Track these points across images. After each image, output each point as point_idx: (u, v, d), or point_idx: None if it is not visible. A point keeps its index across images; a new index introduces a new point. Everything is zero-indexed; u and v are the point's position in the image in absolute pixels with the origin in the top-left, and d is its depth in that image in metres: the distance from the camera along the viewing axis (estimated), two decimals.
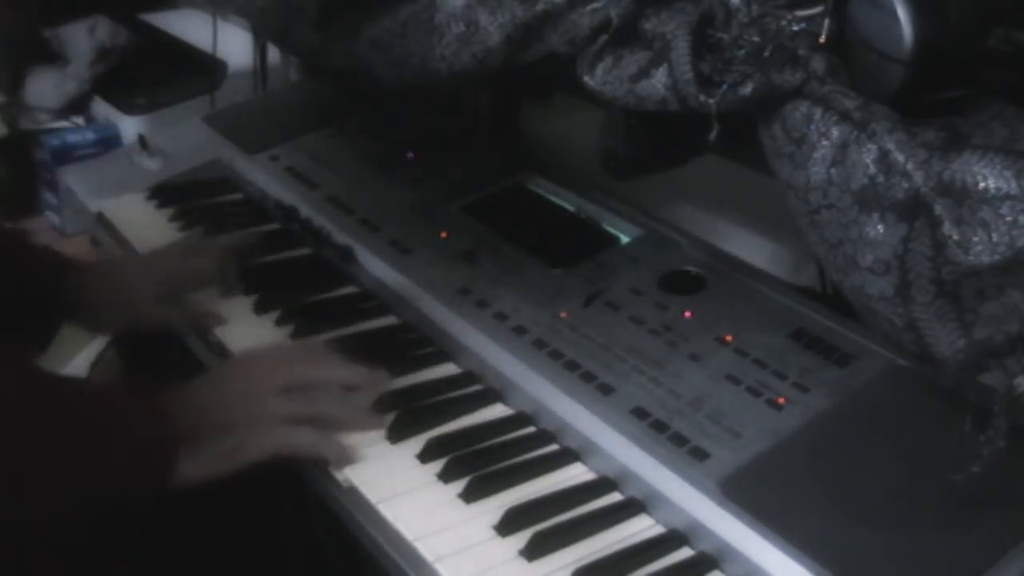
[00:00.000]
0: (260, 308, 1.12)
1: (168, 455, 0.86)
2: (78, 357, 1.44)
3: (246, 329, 1.10)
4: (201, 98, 1.72)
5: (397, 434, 0.94)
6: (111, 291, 1.11)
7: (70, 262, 1.13)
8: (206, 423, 0.88)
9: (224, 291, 1.15)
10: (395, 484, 0.89)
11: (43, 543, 0.84)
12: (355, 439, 0.93)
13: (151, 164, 1.46)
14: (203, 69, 1.74)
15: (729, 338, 0.96)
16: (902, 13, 0.78)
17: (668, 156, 1.08)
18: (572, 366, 0.97)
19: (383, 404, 0.97)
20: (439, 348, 1.06)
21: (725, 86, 0.84)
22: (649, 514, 0.86)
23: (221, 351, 1.07)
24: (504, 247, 1.14)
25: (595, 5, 0.92)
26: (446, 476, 0.89)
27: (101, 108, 1.78)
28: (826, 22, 0.83)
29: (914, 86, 0.79)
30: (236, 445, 0.88)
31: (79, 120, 1.77)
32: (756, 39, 0.84)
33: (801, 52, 0.83)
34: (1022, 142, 0.76)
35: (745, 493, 0.82)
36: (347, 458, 0.89)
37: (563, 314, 1.03)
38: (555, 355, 0.98)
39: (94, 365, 1.41)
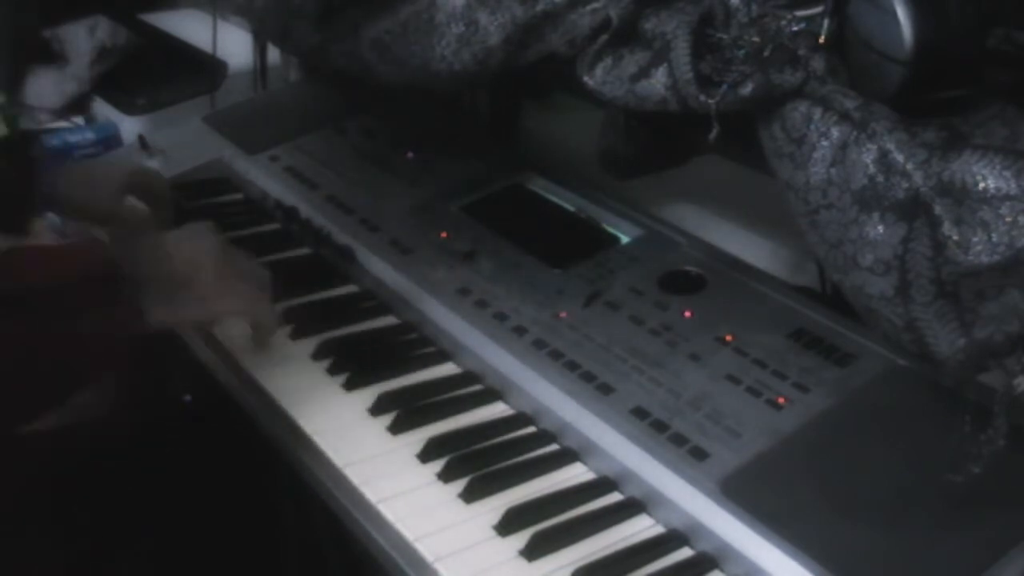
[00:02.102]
0: None
1: (135, 298, 0.89)
2: None
3: (245, 328, 1.09)
4: (201, 98, 1.71)
5: (397, 433, 0.94)
6: (79, 183, 1.18)
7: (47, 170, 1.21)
8: (171, 275, 0.93)
9: (160, 221, 1.22)
10: (395, 484, 0.89)
11: (36, 525, 0.87)
12: (356, 438, 0.93)
13: (151, 164, 1.46)
14: (203, 69, 1.74)
15: (729, 338, 0.96)
16: (902, 13, 0.78)
17: (668, 156, 1.08)
18: (572, 366, 0.97)
19: (383, 405, 0.97)
20: (439, 348, 1.06)
21: (725, 86, 0.84)
22: (649, 514, 0.86)
23: (218, 347, 1.07)
24: (504, 247, 1.14)
25: (595, 5, 0.92)
26: (446, 476, 0.89)
27: (101, 108, 1.78)
28: (826, 22, 0.84)
29: (914, 86, 0.79)
30: (200, 297, 0.94)
31: (79, 120, 1.77)
32: (756, 39, 0.84)
33: (801, 52, 0.83)
34: (1022, 142, 0.76)
35: (745, 493, 0.82)
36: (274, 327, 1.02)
37: (563, 314, 1.03)
38: (555, 355, 0.98)
39: None
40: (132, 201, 1.22)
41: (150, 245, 0.97)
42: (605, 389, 0.94)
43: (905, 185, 0.77)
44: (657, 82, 0.88)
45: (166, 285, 0.92)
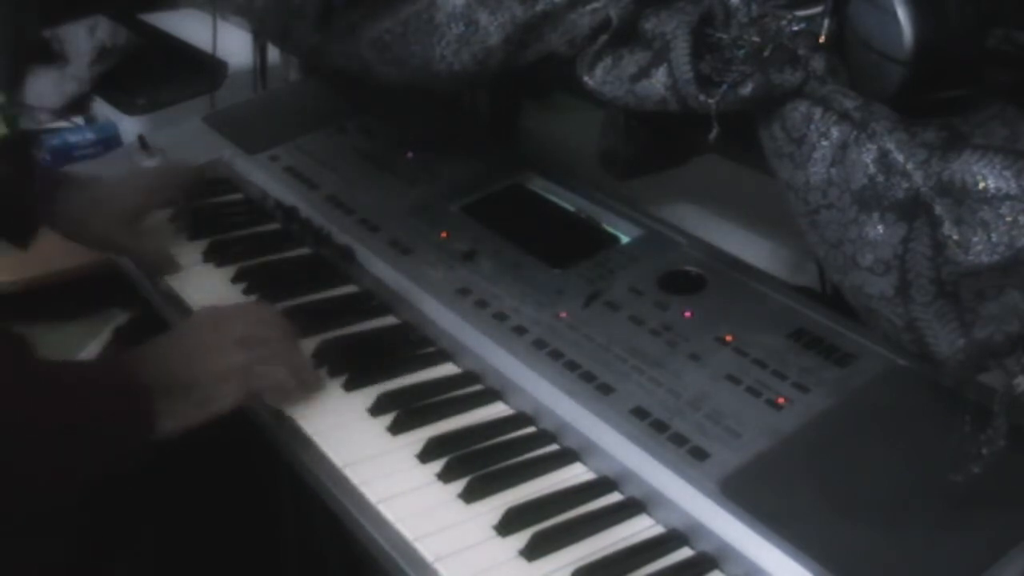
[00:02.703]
0: None
1: (146, 413, 0.88)
2: (79, 355, 1.44)
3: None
4: (201, 98, 1.71)
5: (397, 433, 0.94)
6: (89, 203, 1.18)
7: (57, 178, 1.22)
8: (177, 378, 0.91)
9: (177, 227, 1.24)
10: (395, 484, 0.89)
11: (36, 525, 0.87)
12: (356, 439, 0.93)
13: (151, 164, 1.46)
14: (203, 69, 1.74)
15: (729, 338, 0.96)
16: (902, 13, 0.78)
17: (668, 156, 1.08)
18: (572, 366, 0.97)
19: (383, 405, 0.97)
20: (439, 348, 1.06)
21: (725, 86, 0.84)
22: (649, 514, 0.86)
23: None
24: (504, 247, 1.14)
25: (595, 5, 0.92)
26: (446, 476, 0.89)
27: (101, 108, 1.78)
28: (826, 22, 0.84)
29: (914, 86, 0.79)
30: (207, 396, 0.91)
31: (79, 120, 1.77)
32: (756, 39, 0.84)
33: (801, 52, 0.83)
34: (1022, 142, 0.76)
35: (745, 493, 0.82)
36: (299, 392, 0.97)
37: (563, 314, 1.03)
38: (555, 355, 0.98)
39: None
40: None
41: (155, 352, 0.94)
42: (605, 389, 0.94)
43: (905, 185, 0.77)
44: (657, 82, 0.88)
45: (170, 392, 0.90)
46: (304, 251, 1.24)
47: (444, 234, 1.18)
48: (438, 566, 0.81)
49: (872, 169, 0.78)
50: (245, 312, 1.04)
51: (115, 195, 1.20)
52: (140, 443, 0.89)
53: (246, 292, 1.16)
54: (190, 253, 1.24)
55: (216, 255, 1.22)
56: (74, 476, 0.86)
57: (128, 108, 1.72)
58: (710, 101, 0.84)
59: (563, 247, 1.13)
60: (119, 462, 0.89)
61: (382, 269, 1.16)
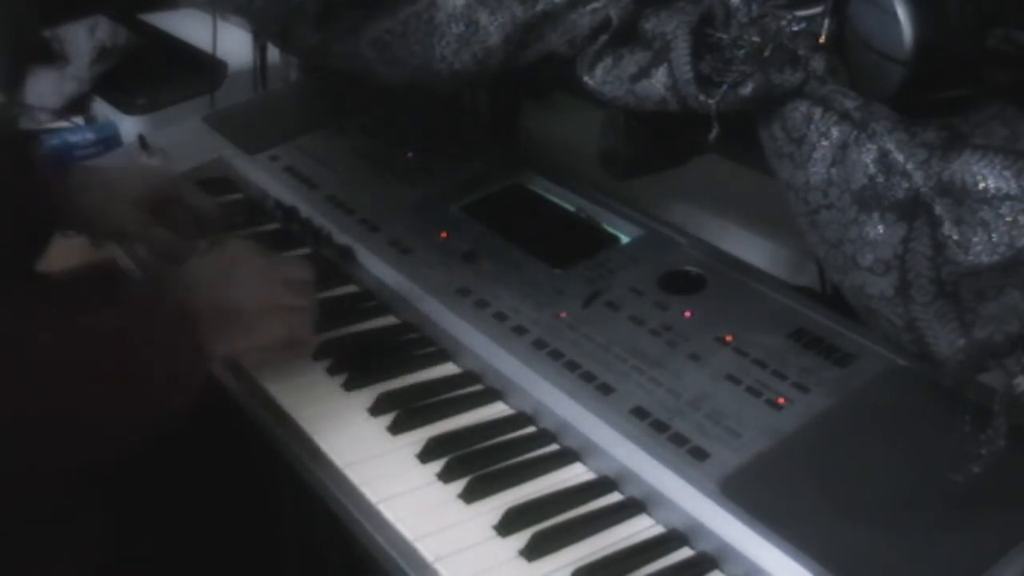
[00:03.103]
0: None
1: (199, 343, 0.89)
2: None
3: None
4: (201, 98, 1.71)
5: (397, 433, 0.94)
6: (102, 189, 1.17)
7: (64, 169, 1.21)
8: (224, 302, 0.93)
9: (185, 232, 1.22)
10: (395, 484, 0.89)
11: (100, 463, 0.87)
12: (356, 439, 0.93)
13: (151, 164, 1.46)
14: (203, 69, 1.74)
15: (729, 338, 0.96)
16: (902, 13, 0.78)
17: (668, 156, 1.08)
18: (572, 366, 0.97)
19: (383, 405, 0.97)
20: (439, 348, 1.06)
21: (725, 86, 0.84)
22: (649, 514, 0.86)
23: None
24: (504, 247, 1.14)
25: (595, 5, 0.93)
26: (446, 476, 0.89)
27: (101, 108, 1.78)
28: (826, 22, 0.84)
29: (914, 86, 0.79)
30: (253, 325, 0.94)
31: (79, 120, 1.77)
32: (756, 39, 0.84)
33: (801, 52, 0.83)
34: (1022, 142, 0.76)
35: (745, 493, 0.82)
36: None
37: (563, 314, 1.03)
38: (555, 355, 0.98)
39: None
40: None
41: (197, 273, 0.97)
42: (605, 389, 0.94)
43: (905, 185, 0.77)
44: (657, 82, 0.88)
45: (221, 316, 0.92)
46: (304, 251, 1.24)
47: (444, 234, 1.18)
48: (438, 566, 0.81)
49: (872, 169, 0.78)
50: (284, 261, 1.07)
51: (126, 180, 1.20)
52: (199, 373, 0.90)
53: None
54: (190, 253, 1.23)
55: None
56: (141, 418, 0.87)
57: (128, 108, 1.72)
58: (710, 101, 0.84)
59: (563, 247, 1.13)
60: (181, 397, 0.89)
61: (382, 269, 1.16)
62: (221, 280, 0.96)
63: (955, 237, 0.73)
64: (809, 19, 0.84)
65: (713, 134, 0.85)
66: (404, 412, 0.96)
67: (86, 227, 1.19)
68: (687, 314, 1.00)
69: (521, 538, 0.83)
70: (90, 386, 0.83)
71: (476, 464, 0.90)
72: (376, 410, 0.97)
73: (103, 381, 0.84)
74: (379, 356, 1.04)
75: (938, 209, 0.74)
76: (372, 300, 1.14)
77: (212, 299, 0.93)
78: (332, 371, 1.02)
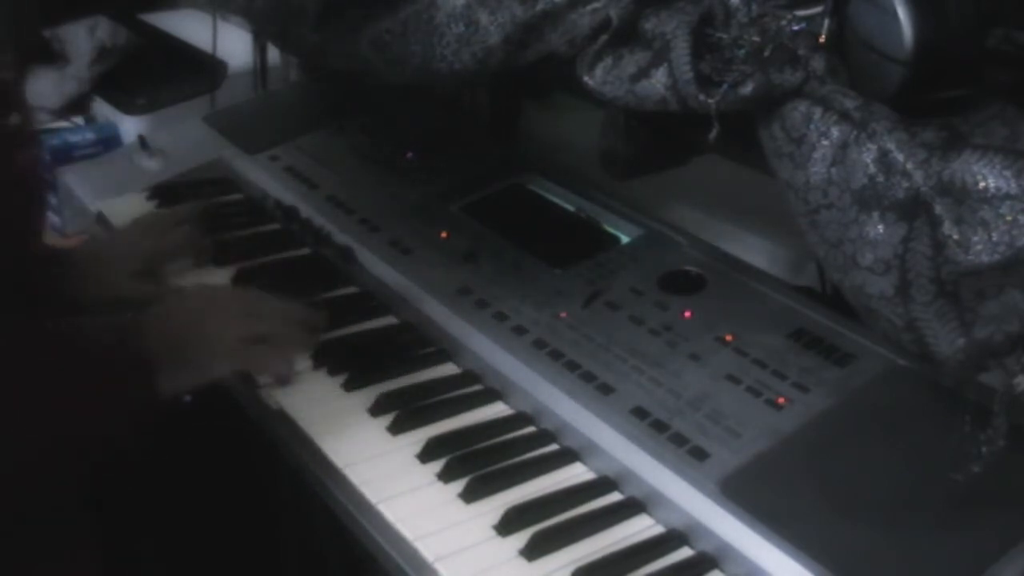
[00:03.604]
0: None
1: (148, 372, 0.90)
2: None
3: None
4: (201, 98, 1.71)
5: (397, 433, 0.94)
6: (95, 273, 1.14)
7: (57, 253, 1.17)
8: (178, 341, 0.93)
9: (197, 263, 1.20)
10: (395, 484, 0.89)
11: (38, 496, 0.88)
12: (356, 439, 0.93)
13: (151, 164, 1.46)
14: (203, 69, 1.74)
15: (729, 338, 0.96)
16: (902, 13, 0.78)
17: (668, 156, 1.08)
18: (572, 366, 0.97)
19: (383, 405, 0.97)
20: (439, 348, 1.06)
21: (725, 86, 0.84)
22: (649, 514, 0.86)
23: None
24: (504, 247, 1.14)
25: (595, 5, 0.92)
26: (446, 476, 0.89)
27: (101, 108, 1.78)
28: (826, 22, 0.84)
29: (914, 86, 0.79)
30: (206, 360, 0.94)
31: (79, 120, 1.77)
32: (756, 39, 0.84)
33: (801, 52, 0.83)
34: (1022, 142, 0.76)
35: (745, 493, 0.82)
36: (289, 377, 1.01)
37: (563, 314, 1.03)
38: (555, 355, 0.98)
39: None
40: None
41: (166, 307, 0.99)
42: (605, 389, 0.94)
43: (905, 185, 0.77)
44: (657, 82, 0.88)
45: (178, 346, 0.93)
46: (304, 251, 1.24)
47: (444, 234, 1.18)
48: (438, 566, 0.81)
49: (872, 169, 0.78)
50: (244, 293, 1.08)
51: (117, 253, 1.17)
52: (141, 403, 0.90)
53: (236, 284, 1.16)
54: None
55: (216, 255, 1.22)
56: (80, 439, 0.87)
57: (128, 108, 1.72)
58: (710, 101, 0.84)
59: (563, 247, 1.13)
60: (122, 425, 0.90)
61: (382, 269, 1.16)
62: (187, 312, 0.98)
63: (955, 237, 0.73)
64: (809, 19, 0.84)
65: (713, 134, 0.85)
66: (404, 412, 0.96)
67: (86, 303, 1.16)
68: (687, 314, 1.00)
69: (521, 538, 0.83)
70: (40, 388, 0.84)
71: (476, 464, 0.90)
72: (376, 410, 0.97)
73: (50, 386, 0.85)
74: (379, 356, 1.04)
75: (938, 209, 0.74)
76: (372, 300, 1.14)
77: (171, 328, 0.94)
78: (332, 371, 1.02)
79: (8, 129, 0.89)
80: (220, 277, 1.19)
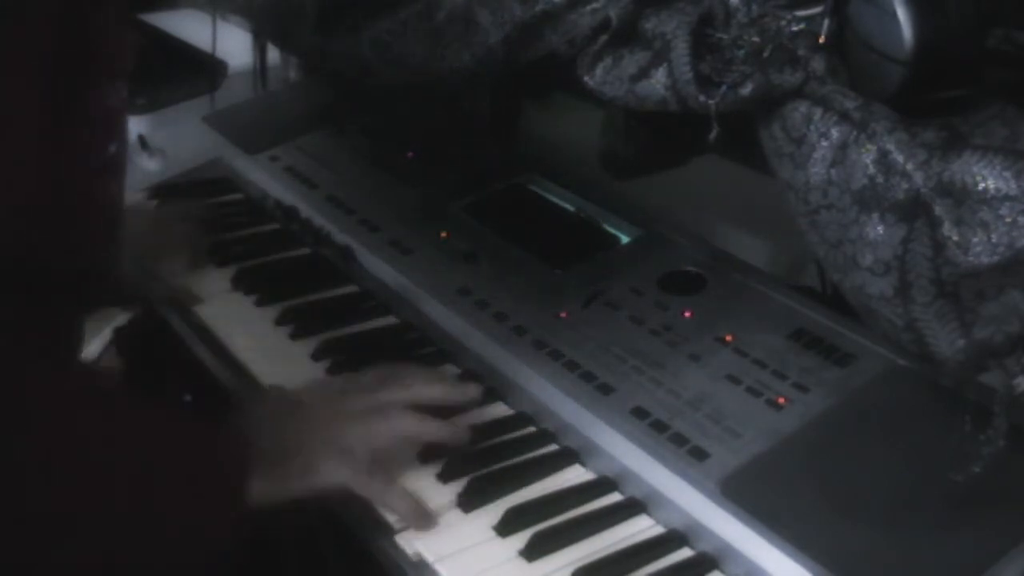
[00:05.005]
0: (260, 307, 1.12)
1: (243, 479, 0.80)
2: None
3: (246, 327, 1.10)
4: (201, 98, 1.71)
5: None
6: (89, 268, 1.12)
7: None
8: (280, 445, 0.83)
9: (196, 262, 1.19)
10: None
11: None
12: None
13: (151, 164, 1.46)
14: (203, 69, 1.74)
15: (729, 338, 0.96)
16: (902, 13, 0.78)
17: (668, 156, 1.08)
18: (572, 366, 0.97)
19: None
20: (439, 348, 1.06)
21: (725, 86, 0.84)
22: (649, 514, 0.86)
23: (223, 353, 1.07)
24: (504, 247, 1.14)
25: (595, 5, 0.93)
26: (446, 476, 0.89)
27: None
28: (826, 22, 0.84)
29: (914, 86, 0.79)
30: (309, 469, 0.83)
31: None
32: (756, 39, 0.84)
33: (801, 52, 0.83)
34: (1022, 142, 0.76)
35: (745, 493, 0.82)
36: (419, 517, 0.83)
37: (563, 314, 1.03)
38: (555, 355, 0.98)
39: (94, 364, 1.41)
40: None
41: (259, 411, 0.87)
42: (605, 389, 0.94)
43: (905, 185, 0.77)
44: (657, 82, 0.88)
45: (272, 458, 0.81)
46: (304, 251, 1.24)
47: (444, 234, 1.18)
48: (438, 566, 0.81)
49: (872, 169, 0.78)
50: (366, 384, 0.93)
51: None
52: (230, 515, 0.79)
53: (246, 292, 1.16)
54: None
55: (216, 255, 1.22)
56: (151, 539, 0.76)
57: (128, 108, 1.72)
58: (710, 101, 0.84)
59: (563, 247, 1.13)
60: (203, 531, 0.78)
61: (382, 269, 1.16)
62: (284, 423, 0.85)
63: (955, 237, 0.73)
64: (809, 19, 0.84)
65: (713, 134, 0.85)
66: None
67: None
68: (687, 314, 1.00)
69: (521, 538, 0.83)
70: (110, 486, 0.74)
71: (476, 464, 0.90)
72: None
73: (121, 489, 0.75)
74: (379, 356, 1.04)
75: (938, 209, 0.74)
76: (372, 300, 1.14)
77: (265, 443, 0.82)
78: (332, 371, 1.02)
79: (108, 158, 0.82)
80: (220, 277, 1.19)
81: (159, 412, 0.82)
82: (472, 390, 0.95)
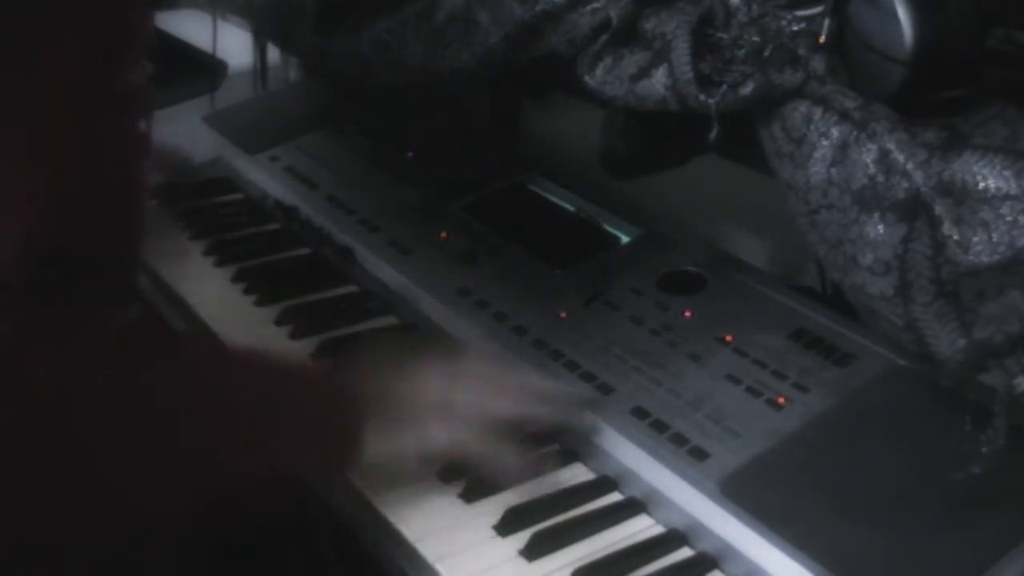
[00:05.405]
0: (260, 307, 1.13)
1: (354, 427, 0.80)
2: None
3: (246, 327, 1.10)
4: (201, 98, 1.71)
5: None
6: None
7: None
8: (396, 400, 0.83)
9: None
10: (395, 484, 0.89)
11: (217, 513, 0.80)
12: None
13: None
14: (203, 69, 1.74)
15: (729, 338, 0.96)
16: (902, 13, 0.78)
17: (668, 156, 1.08)
18: (572, 366, 0.97)
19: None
20: None
21: (725, 86, 0.84)
22: (649, 514, 0.86)
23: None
24: (504, 247, 1.14)
25: (595, 5, 0.92)
26: (446, 476, 0.89)
27: None
28: (826, 22, 0.84)
29: (914, 86, 0.79)
30: (423, 429, 0.83)
31: None
32: (756, 39, 0.84)
33: (801, 52, 0.83)
34: (1022, 142, 0.76)
35: (745, 493, 0.82)
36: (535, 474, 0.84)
37: (563, 314, 1.03)
38: (555, 355, 0.98)
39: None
40: None
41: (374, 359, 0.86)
42: (605, 389, 0.94)
43: (905, 185, 0.77)
44: (657, 82, 0.88)
45: (389, 411, 0.82)
46: (304, 251, 1.24)
47: (444, 234, 1.18)
48: (438, 566, 0.81)
49: (872, 169, 0.78)
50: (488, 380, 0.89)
51: None
52: (341, 457, 0.81)
53: (246, 292, 1.16)
54: (190, 253, 1.24)
55: (216, 255, 1.22)
56: (262, 467, 0.78)
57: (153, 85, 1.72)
58: (710, 101, 0.84)
59: (563, 247, 1.13)
60: (307, 472, 0.81)
61: (382, 269, 1.16)
62: (402, 382, 0.84)
63: (955, 237, 0.73)
64: (809, 19, 0.84)
65: (713, 134, 0.85)
66: None
67: None
68: (687, 314, 1.00)
69: (521, 538, 0.83)
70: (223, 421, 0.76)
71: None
72: None
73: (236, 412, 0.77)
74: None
75: (938, 209, 0.74)
76: (372, 300, 1.14)
77: (377, 390, 0.82)
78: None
79: (138, 135, 0.82)
80: (220, 277, 1.19)
81: (272, 360, 0.83)
82: (587, 417, 0.90)
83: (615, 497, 0.88)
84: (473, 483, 0.87)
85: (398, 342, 0.92)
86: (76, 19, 0.71)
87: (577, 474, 0.91)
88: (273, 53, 1.69)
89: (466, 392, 0.85)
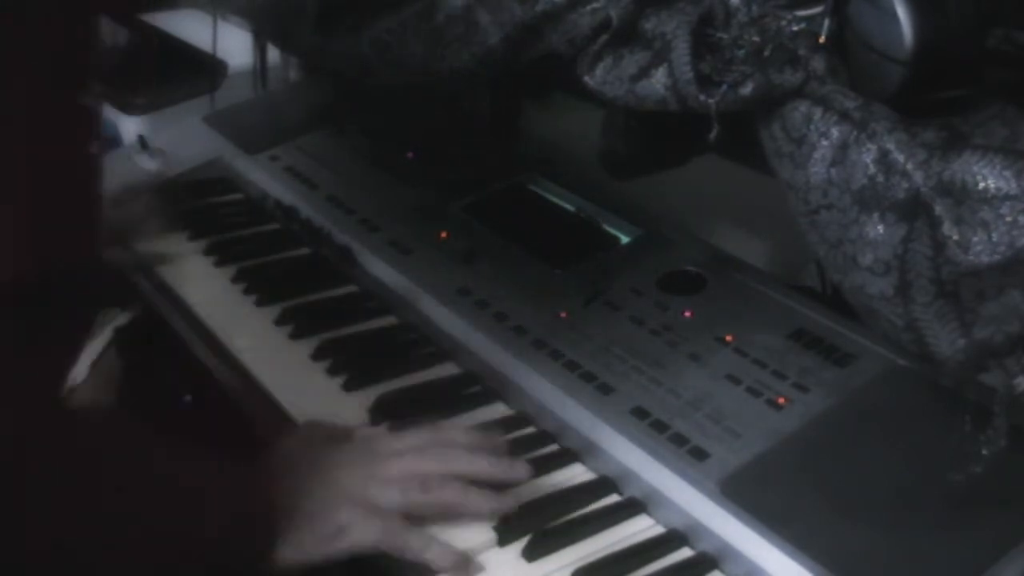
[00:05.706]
0: (260, 307, 1.12)
1: (265, 533, 0.78)
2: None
3: (246, 327, 1.10)
4: (201, 98, 1.71)
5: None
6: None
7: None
8: (309, 502, 0.80)
9: (161, 229, 1.22)
10: None
11: None
12: None
13: (151, 164, 1.46)
14: (203, 69, 1.74)
15: (729, 338, 0.96)
16: (902, 13, 0.78)
17: (668, 156, 1.08)
18: (572, 366, 0.97)
19: (382, 406, 0.96)
20: (439, 348, 1.06)
21: (725, 86, 0.84)
22: (649, 514, 0.86)
23: (219, 350, 1.07)
24: (504, 247, 1.14)
25: (595, 5, 0.92)
26: None
27: None
28: (826, 22, 0.84)
29: (914, 86, 0.79)
30: (338, 529, 0.79)
31: None
32: (756, 39, 0.84)
33: (801, 52, 0.83)
34: (1022, 142, 0.76)
35: (745, 493, 0.82)
36: (462, 567, 0.79)
37: (563, 314, 1.03)
38: (555, 355, 0.98)
39: (94, 364, 1.41)
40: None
41: (297, 463, 0.83)
42: (605, 389, 0.94)
43: (905, 185, 0.77)
44: (657, 82, 0.88)
45: (304, 515, 0.79)
46: (304, 251, 1.24)
47: (444, 234, 1.18)
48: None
49: (872, 169, 0.78)
50: (411, 443, 0.87)
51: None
52: (250, 568, 0.78)
53: (246, 292, 1.16)
54: (190, 253, 1.24)
55: (216, 255, 1.22)
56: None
57: (128, 108, 1.72)
58: (710, 101, 0.84)
59: (563, 247, 1.13)
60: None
61: (382, 269, 1.16)
62: (316, 478, 0.82)
63: (955, 237, 0.73)
64: (809, 19, 0.84)
65: (713, 134, 0.85)
66: (404, 413, 0.95)
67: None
68: (687, 314, 1.00)
69: (521, 538, 0.83)
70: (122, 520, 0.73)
71: None
72: (376, 412, 0.97)
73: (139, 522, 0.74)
74: (379, 356, 1.04)
75: (938, 209, 0.74)
76: (372, 300, 1.14)
77: (293, 493, 0.80)
78: (332, 371, 1.02)
79: (89, 157, 0.79)
80: (220, 277, 1.19)
81: (188, 463, 0.80)
82: (520, 469, 0.86)
83: (615, 497, 0.88)
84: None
85: (309, 437, 0.88)
86: (27, 52, 0.70)
87: (577, 474, 0.91)
88: (273, 53, 1.69)
89: (385, 485, 0.82)
